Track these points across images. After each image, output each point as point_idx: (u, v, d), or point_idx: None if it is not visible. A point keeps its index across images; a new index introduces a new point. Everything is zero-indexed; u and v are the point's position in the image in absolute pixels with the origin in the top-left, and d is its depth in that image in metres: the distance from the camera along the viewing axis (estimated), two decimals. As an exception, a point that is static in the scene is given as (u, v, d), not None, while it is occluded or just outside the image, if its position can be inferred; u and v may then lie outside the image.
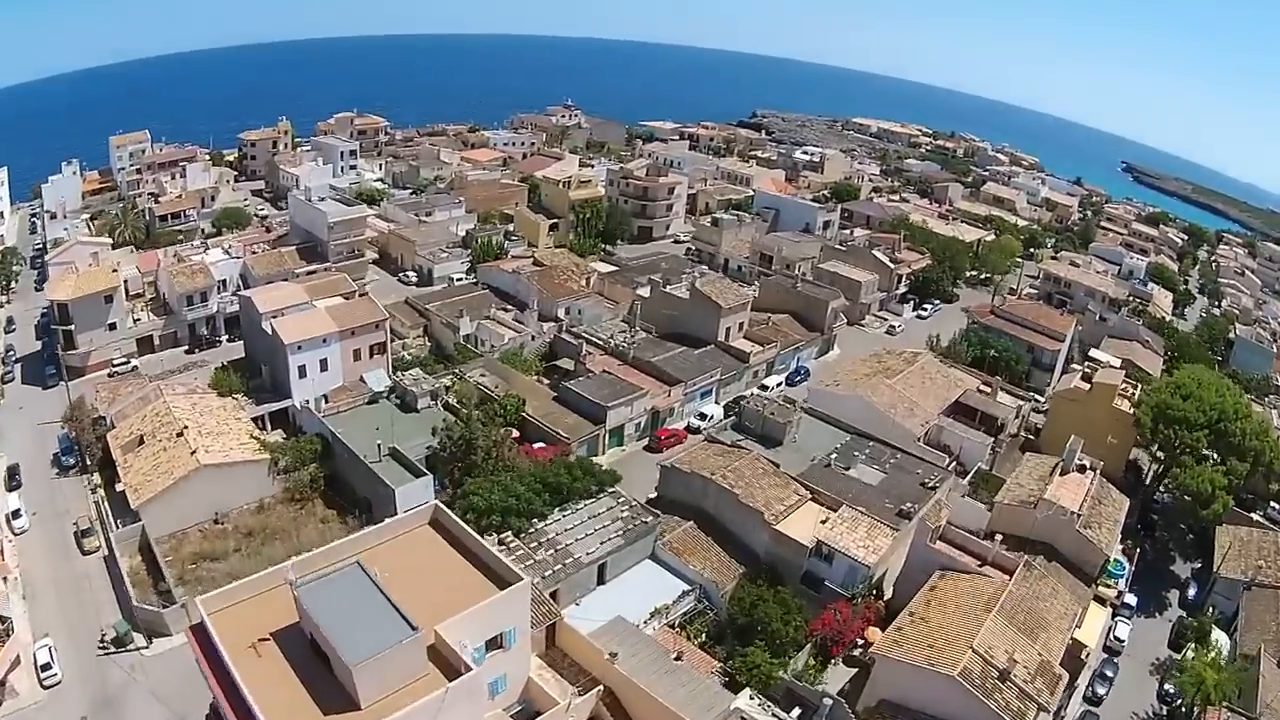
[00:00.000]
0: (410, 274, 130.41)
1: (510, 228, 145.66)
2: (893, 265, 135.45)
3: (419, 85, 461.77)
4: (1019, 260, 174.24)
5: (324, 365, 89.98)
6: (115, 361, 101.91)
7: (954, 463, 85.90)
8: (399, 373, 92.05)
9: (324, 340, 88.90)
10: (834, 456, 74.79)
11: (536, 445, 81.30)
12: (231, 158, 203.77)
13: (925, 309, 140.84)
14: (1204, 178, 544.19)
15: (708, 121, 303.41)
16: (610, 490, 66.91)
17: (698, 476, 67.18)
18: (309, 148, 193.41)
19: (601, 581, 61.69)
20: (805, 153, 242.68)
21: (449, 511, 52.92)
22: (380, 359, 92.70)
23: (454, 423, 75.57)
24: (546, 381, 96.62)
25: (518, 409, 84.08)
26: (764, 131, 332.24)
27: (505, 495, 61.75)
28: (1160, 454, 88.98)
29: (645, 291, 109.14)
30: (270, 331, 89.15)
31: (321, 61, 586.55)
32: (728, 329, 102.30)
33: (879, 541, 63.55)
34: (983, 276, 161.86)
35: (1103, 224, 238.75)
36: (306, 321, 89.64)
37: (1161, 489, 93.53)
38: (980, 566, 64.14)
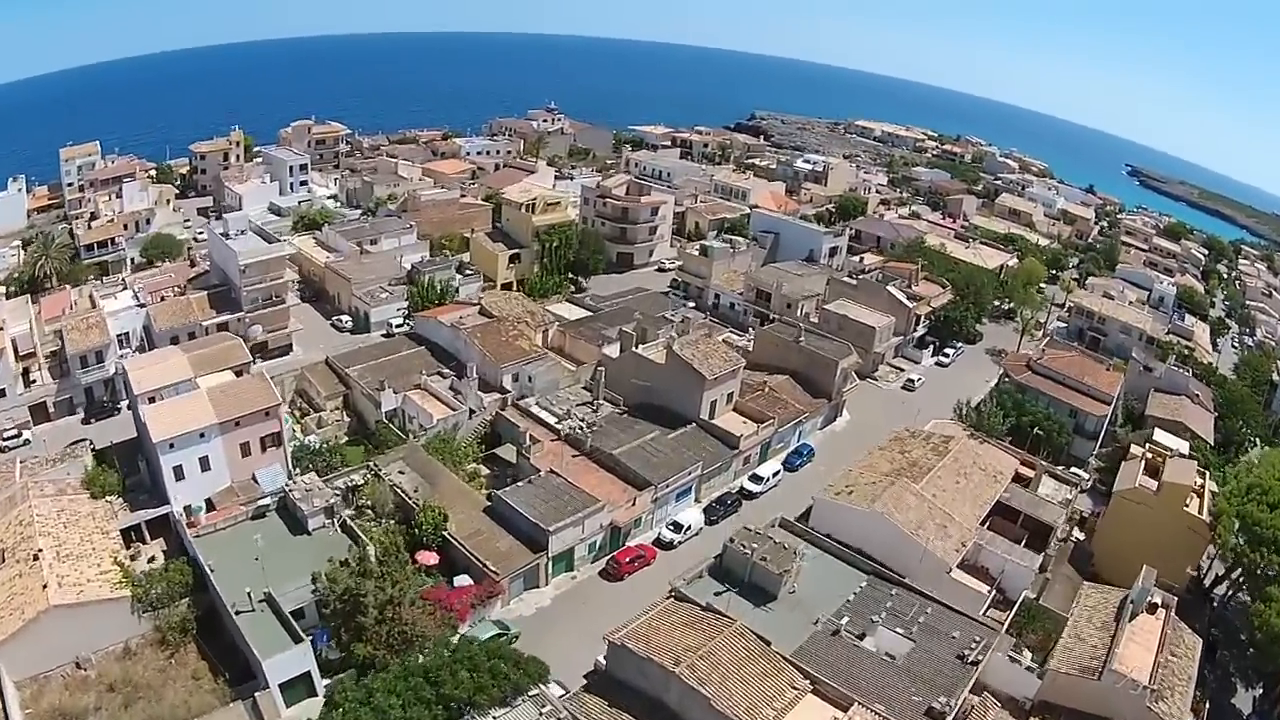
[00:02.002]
0: (344, 318, 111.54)
1: (466, 257, 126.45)
2: (910, 304, 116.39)
3: (403, 86, 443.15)
4: (1043, 288, 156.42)
5: (205, 464, 71.46)
6: (6, 433, 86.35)
7: (995, 592, 67.94)
8: (299, 470, 73.93)
9: (201, 435, 70.26)
10: (845, 620, 55.75)
11: (458, 580, 62.89)
12: (184, 170, 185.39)
13: (947, 354, 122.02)
14: (1206, 180, 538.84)
15: (702, 126, 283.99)
16: (532, 694, 48.08)
17: (656, 665, 48.37)
18: (259, 160, 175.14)
19: (518, 833, 43.22)
20: (807, 161, 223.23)
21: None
22: (275, 452, 73.99)
23: (337, 569, 56.93)
24: (486, 472, 78.21)
25: (437, 527, 65.52)
26: (762, 136, 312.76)
27: (376, 720, 43.07)
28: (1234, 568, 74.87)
29: (614, 351, 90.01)
30: (142, 422, 71.28)
31: (300, 61, 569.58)
32: (713, 402, 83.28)
33: (908, 766, 45.01)
34: (1006, 308, 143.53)
35: (1123, 239, 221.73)
36: (181, 411, 70.83)
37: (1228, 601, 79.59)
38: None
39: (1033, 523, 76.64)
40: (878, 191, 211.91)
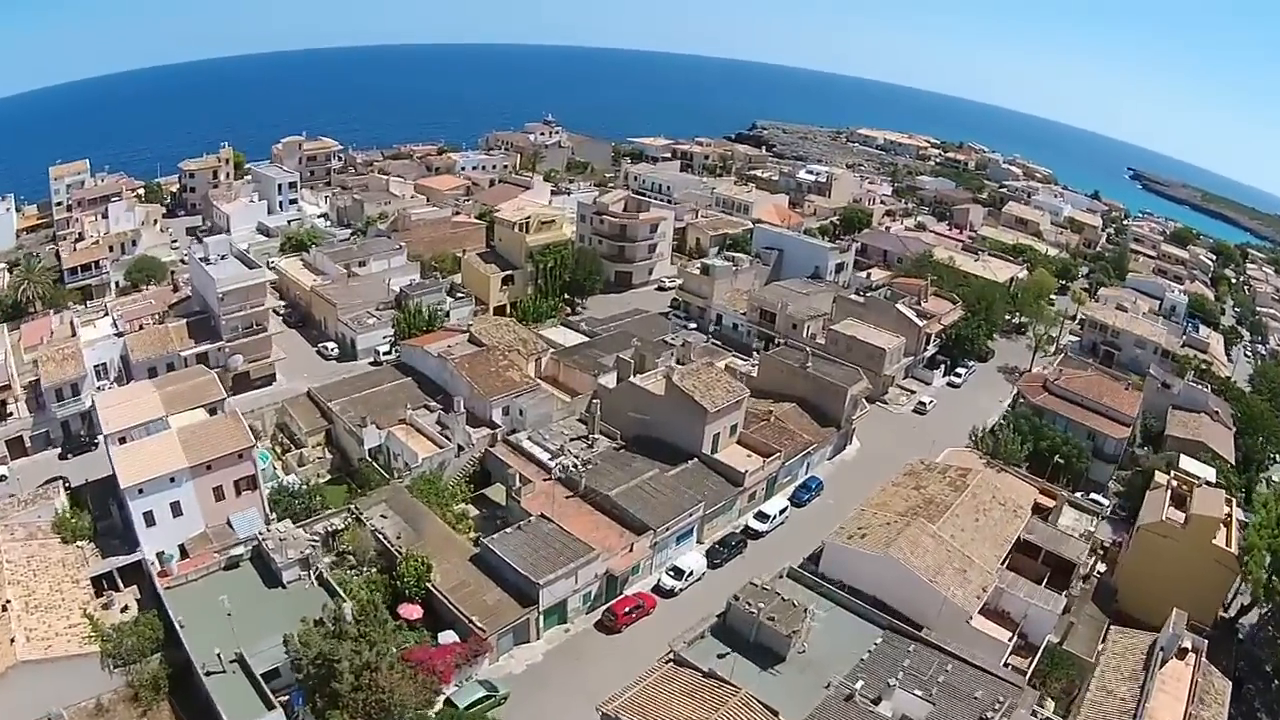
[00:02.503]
0: (330, 345, 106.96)
1: (458, 279, 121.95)
2: (921, 322, 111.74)
3: (402, 99, 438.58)
4: (1053, 299, 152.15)
5: (177, 509, 67.36)
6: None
7: (1016, 637, 63.42)
8: (276, 514, 69.77)
9: (172, 479, 66.16)
10: (860, 684, 50.96)
11: (443, 637, 58.36)
12: (174, 188, 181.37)
13: (959, 373, 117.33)
14: (1208, 182, 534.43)
15: (703, 137, 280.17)
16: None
17: (656, 744, 43.94)
18: (249, 178, 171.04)
19: None
20: (810, 172, 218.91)
21: None
22: (251, 496, 69.80)
23: (310, 631, 52.63)
24: (475, 513, 73.77)
25: (420, 578, 61.13)
26: (764, 146, 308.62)
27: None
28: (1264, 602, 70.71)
29: (610, 380, 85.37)
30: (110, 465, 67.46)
31: (301, 75, 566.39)
32: (715, 436, 78.61)
33: None
34: (1017, 322, 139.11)
35: (1132, 247, 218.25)
36: (151, 454, 67.12)
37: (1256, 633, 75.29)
38: None
39: (1054, 558, 72.43)
40: (882, 202, 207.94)
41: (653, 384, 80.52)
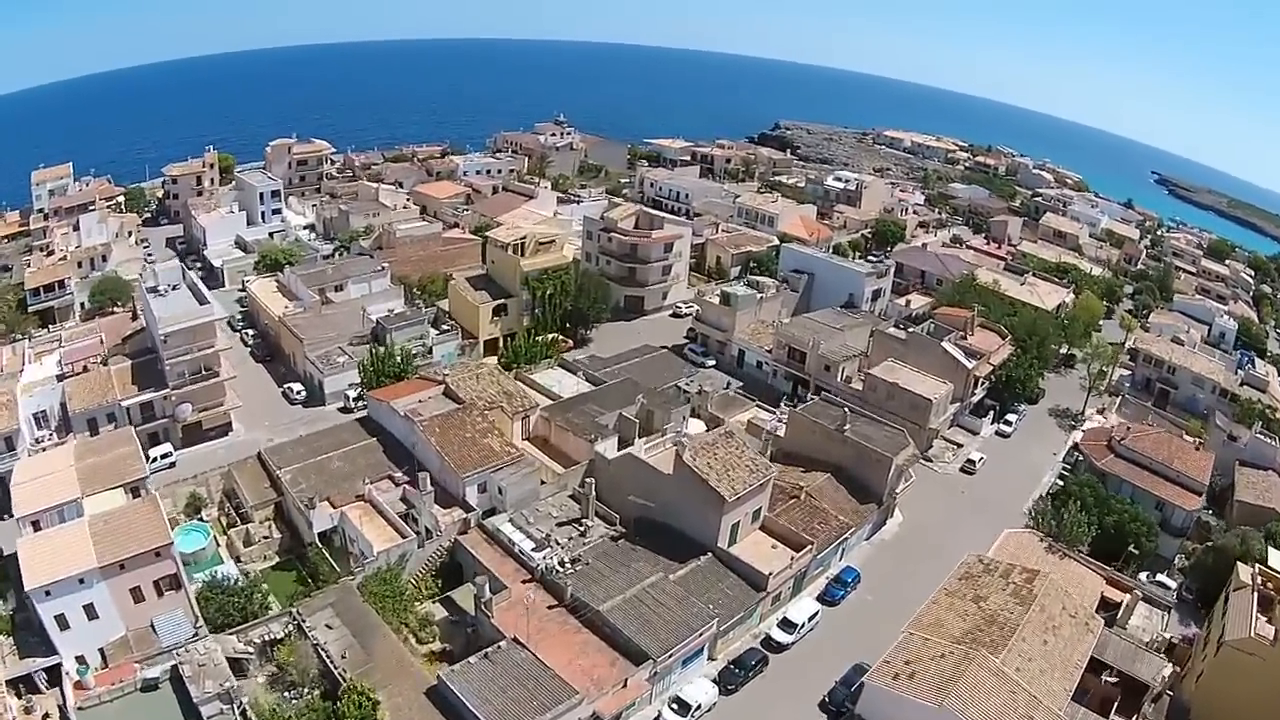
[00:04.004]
0: (297, 387, 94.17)
1: (445, 305, 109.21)
2: (969, 363, 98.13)
3: (413, 95, 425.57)
4: (1100, 325, 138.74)
5: (91, 611, 56.39)
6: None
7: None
8: (207, 615, 58.23)
9: (81, 580, 54.91)
10: None
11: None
12: (161, 194, 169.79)
13: (1009, 421, 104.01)
14: (1224, 185, 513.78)
15: (724, 139, 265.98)
16: None
17: None
18: (232, 185, 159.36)
19: None
20: (838, 179, 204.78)
21: None
22: (175, 596, 58.17)
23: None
24: (442, 615, 61.78)
25: (364, 718, 49.22)
26: (788, 148, 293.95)
27: None
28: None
29: (610, 447, 72.48)
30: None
31: (312, 70, 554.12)
32: (735, 525, 65.72)
33: None
34: (1064, 352, 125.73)
35: (1174, 264, 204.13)
36: (58, 550, 56.20)
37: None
38: None
39: (1125, 680, 60.37)
40: (914, 212, 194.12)
41: (660, 456, 67.87)
